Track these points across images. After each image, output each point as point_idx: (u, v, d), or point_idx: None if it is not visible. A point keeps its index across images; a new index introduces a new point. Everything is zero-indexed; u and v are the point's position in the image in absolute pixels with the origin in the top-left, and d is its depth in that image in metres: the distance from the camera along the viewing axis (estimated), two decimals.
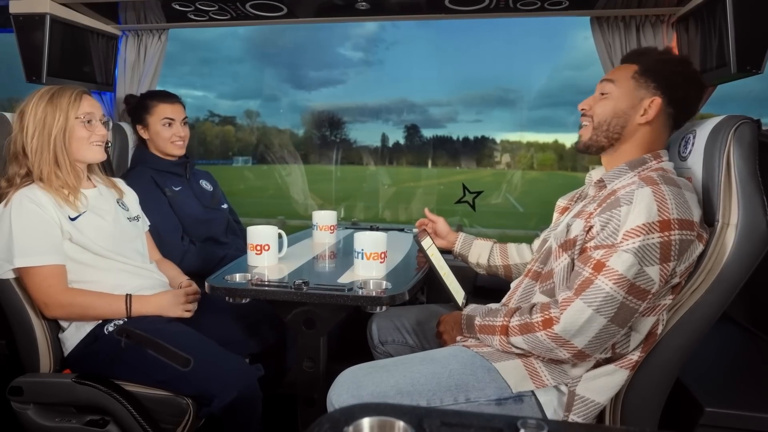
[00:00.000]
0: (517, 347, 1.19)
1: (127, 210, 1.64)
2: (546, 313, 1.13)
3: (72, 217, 1.44)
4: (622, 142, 1.25)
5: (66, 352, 1.48)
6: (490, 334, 1.23)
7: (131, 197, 1.71)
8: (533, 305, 1.19)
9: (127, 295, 1.45)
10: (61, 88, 1.48)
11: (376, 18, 1.96)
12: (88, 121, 1.48)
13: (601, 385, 1.16)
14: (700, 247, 1.13)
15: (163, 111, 1.95)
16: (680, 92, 1.21)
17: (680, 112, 1.24)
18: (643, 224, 1.06)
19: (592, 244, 1.13)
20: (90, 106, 1.50)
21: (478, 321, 1.27)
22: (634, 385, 1.22)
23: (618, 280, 1.06)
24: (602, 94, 1.27)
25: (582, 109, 1.30)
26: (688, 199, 1.11)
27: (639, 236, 1.06)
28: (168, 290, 1.59)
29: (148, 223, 1.75)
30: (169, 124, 1.95)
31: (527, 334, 1.15)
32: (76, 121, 1.46)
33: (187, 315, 1.55)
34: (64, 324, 1.48)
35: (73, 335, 1.46)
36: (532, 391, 1.17)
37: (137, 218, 1.67)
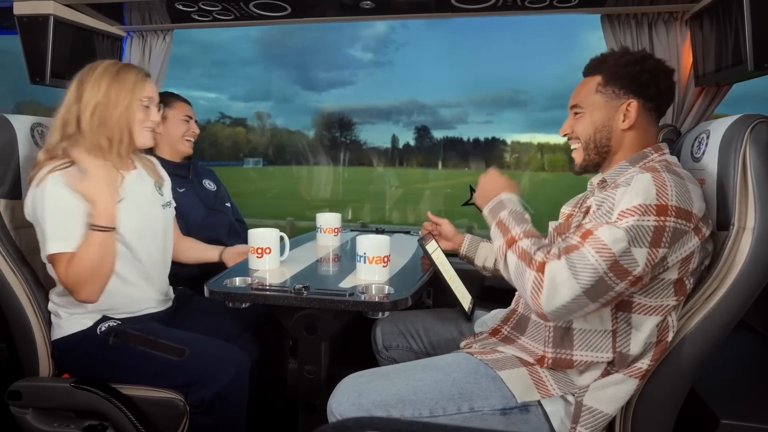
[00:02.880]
0: (506, 263, 1.13)
1: (162, 195, 1.64)
2: (547, 255, 1.06)
3: None
4: (613, 152, 1.23)
5: (54, 338, 1.44)
6: (501, 234, 1.16)
7: (167, 180, 1.71)
8: (544, 245, 1.11)
9: (90, 226, 1.32)
10: (126, 65, 1.46)
11: (382, 17, 1.93)
12: (146, 106, 1.47)
13: (609, 395, 1.12)
14: (695, 241, 1.07)
15: (182, 108, 2.01)
16: (652, 88, 1.19)
17: (660, 103, 1.22)
18: (640, 205, 1.02)
19: (586, 219, 1.10)
20: (152, 91, 1.49)
21: (503, 215, 1.20)
22: (646, 396, 1.17)
23: (601, 249, 1.01)
24: (576, 114, 1.26)
25: (565, 134, 1.29)
26: (691, 191, 1.07)
27: (634, 216, 1.02)
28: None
29: (174, 207, 1.73)
30: (187, 121, 2.01)
31: (522, 261, 1.08)
32: (138, 103, 1.44)
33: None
34: (61, 313, 1.45)
35: (66, 326, 1.44)
36: (538, 401, 1.13)
37: (169, 204, 1.66)
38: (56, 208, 1.32)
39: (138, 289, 1.50)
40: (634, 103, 1.19)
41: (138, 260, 1.48)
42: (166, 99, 1.99)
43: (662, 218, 1.02)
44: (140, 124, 1.47)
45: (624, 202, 1.04)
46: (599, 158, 1.25)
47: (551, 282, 1.02)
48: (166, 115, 1.96)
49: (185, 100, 2.04)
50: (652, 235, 1.01)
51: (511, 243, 1.13)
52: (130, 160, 1.55)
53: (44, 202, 1.32)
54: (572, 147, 1.29)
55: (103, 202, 1.33)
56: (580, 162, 1.28)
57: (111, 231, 1.34)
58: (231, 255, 1.75)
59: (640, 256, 1.01)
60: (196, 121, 2.05)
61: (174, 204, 1.72)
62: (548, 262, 1.04)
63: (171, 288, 1.67)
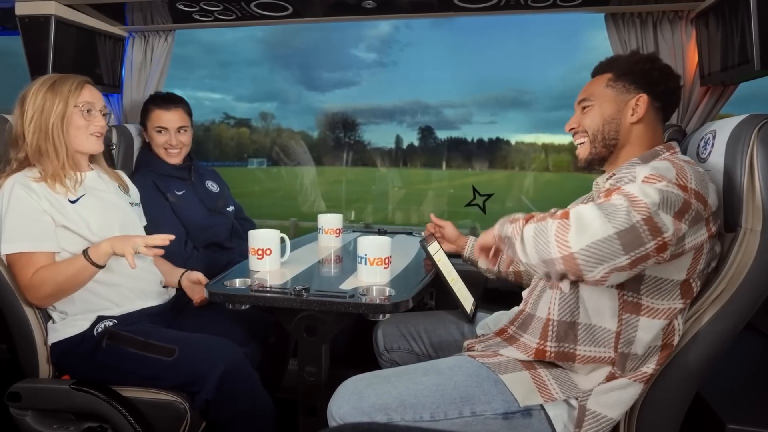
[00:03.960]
0: (522, 240, 1.03)
1: (129, 196, 1.65)
2: (568, 209, 1.02)
3: (72, 200, 1.43)
4: (619, 147, 1.23)
5: (50, 342, 1.44)
6: (513, 226, 1.09)
7: (132, 187, 1.72)
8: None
9: (84, 251, 1.37)
10: (64, 76, 1.47)
11: (384, 17, 1.92)
12: (88, 111, 1.47)
13: (613, 400, 1.10)
14: (704, 232, 1.05)
15: (156, 118, 1.90)
16: (661, 86, 1.21)
17: (666, 104, 1.24)
18: (661, 174, 1.00)
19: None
20: (91, 95, 1.48)
21: (508, 228, 1.11)
22: (650, 400, 1.16)
23: (633, 199, 0.95)
24: (584, 108, 1.26)
25: (571, 129, 1.29)
26: (708, 183, 1.06)
27: (660, 181, 0.99)
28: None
29: (145, 221, 1.73)
30: (161, 132, 1.91)
31: (541, 222, 1.01)
32: (75, 109, 1.45)
33: (136, 251, 1.38)
34: (56, 317, 1.46)
35: (63, 329, 1.44)
36: (541, 405, 1.12)
37: (138, 205, 1.68)
38: (14, 210, 1.35)
39: (123, 282, 1.50)
40: (644, 98, 1.20)
41: (117, 258, 1.46)
42: (146, 106, 1.93)
43: (686, 194, 0.99)
44: (83, 130, 1.47)
45: (644, 172, 1.03)
46: (606, 151, 1.24)
47: (579, 220, 0.95)
48: (146, 125, 1.94)
49: (164, 106, 1.90)
50: (681, 206, 0.97)
51: (528, 219, 1.07)
52: (89, 167, 1.56)
53: (3, 203, 1.36)
54: (578, 142, 1.29)
55: (106, 243, 1.37)
56: (585, 156, 1.27)
57: (95, 267, 1.37)
58: (186, 283, 1.70)
59: (668, 221, 0.95)
60: (183, 128, 1.92)
61: (141, 208, 1.71)
62: (572, 209, 0.98)
63: (164, 280, 1.67)
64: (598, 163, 1.26)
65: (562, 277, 0.99)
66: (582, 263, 0.94)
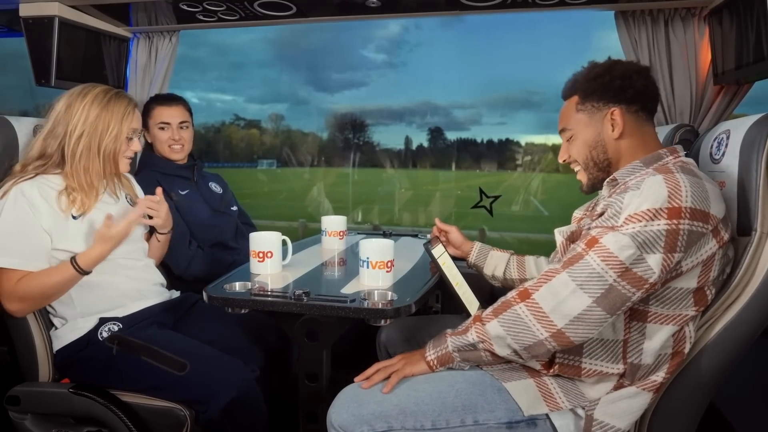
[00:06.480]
0: (492, 336, 1.06)
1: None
2: (522, 287, 1.06)
3: (75, 215, 1.40)
4: (614, 163, 1.20)
5: (56, 348, 1.44)
6: (463, 333, 1.10)
7: (140, 195, 1.69)
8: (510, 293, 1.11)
9: (72, 260, 1.34)
10: (118, 94, 1.47)
11: (389, 16, 1.90)
12: (130, 138, 1.49)
13: (621, 409, 1.07)
14: (713, 244, 1.02)
15: (158, 115, 1.93)
16: (628, 91, 1.16)
17: (643, 102, 1.18)
18: (648, 209, 0.99)
19: (593, 224, 1.07)
20: (138, 121, 1.51)
21: (449, 330, 1.14)
22: (661, 410, 1.12)
23: (607, 258, 0.98)
24: (567, 140, 1.24)
25: (564, 161, 1.28)
26: (709, 191, 1.02)
27: (641, 221, 0.98)
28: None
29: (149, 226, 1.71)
30: (164, 128, 1.93)
31: (503, 312, 1.06)
32: (125, 134, 1.46)
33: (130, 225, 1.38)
34: (57, 323, 1.46)
35: (66, 335, 1.43)
36: (547, 415, 1.08)
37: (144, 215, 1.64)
38: (11, 222, 1.32)
39: (122, 282, 1.49)
40: (616, 111, 1.16)
41: (113, 260, 1.46)
42: (147, 106, 1.96)
43: (675, 221, 0.97)
44: (122, 153, 1.48)
45: (632, 206, 1.01)
46: (603, 174, 1.21)
47: (554, 295, 1.01)
48: (148, 125, 1.94)
49: (165, 103, 1.94)
50: (665, 239, 0.97)
51: (478, 319, 1.10)
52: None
53: (2, 210, 1.32)
54: (575, 169, 1.27)
55: (95, 251, 1.35)
56: (586, 182, 1.25)
57: (82, 274, 1.34)
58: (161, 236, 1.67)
59: (655, 262, 0.98)
60: (185, 124, 1.95)
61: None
62: (536, 286, 1.04)
63: (165, 281, 1.65)
64: (600, 185, 1.23)
65: (552, 353, 1.06)
66: (572, 336, 1.01)
